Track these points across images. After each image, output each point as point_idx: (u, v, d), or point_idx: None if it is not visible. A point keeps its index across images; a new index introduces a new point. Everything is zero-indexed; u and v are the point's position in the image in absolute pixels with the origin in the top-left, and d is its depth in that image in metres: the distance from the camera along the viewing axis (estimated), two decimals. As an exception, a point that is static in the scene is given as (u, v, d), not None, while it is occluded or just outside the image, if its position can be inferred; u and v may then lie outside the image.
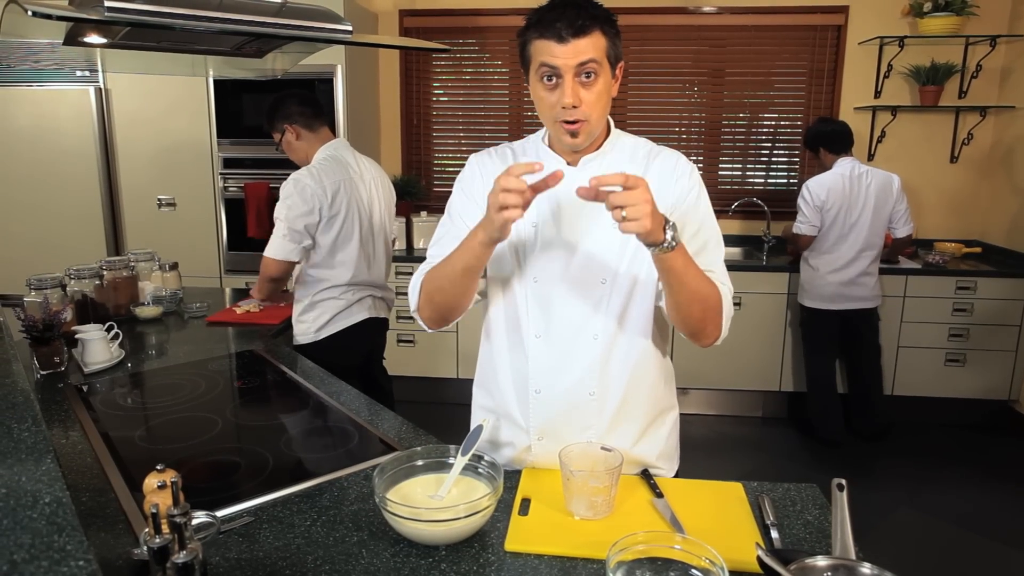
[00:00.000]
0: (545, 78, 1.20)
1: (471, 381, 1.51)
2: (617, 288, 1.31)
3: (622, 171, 1.11)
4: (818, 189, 3.41)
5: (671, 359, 1.46)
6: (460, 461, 1.22)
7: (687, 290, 1.21)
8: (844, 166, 3.39)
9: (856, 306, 3.46)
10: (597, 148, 1.31)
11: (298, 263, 2.36)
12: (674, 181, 1.32)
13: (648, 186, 1.08)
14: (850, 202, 3.36)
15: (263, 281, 2.39)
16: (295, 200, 2.27)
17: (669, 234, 1.11)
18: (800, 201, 3.49)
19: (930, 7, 3.76)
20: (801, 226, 3.50)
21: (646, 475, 1.33)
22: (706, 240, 1.32)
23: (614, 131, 1.34)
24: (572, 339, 1.32)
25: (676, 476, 1.45)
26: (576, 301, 1.31)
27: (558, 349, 1.33)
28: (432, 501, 1.18)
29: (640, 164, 1.33)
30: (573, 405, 1.33)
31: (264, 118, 2.46)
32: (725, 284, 1.31)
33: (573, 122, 1.21)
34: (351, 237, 2.37)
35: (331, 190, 2.30)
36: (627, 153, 1.34)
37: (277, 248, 2.30)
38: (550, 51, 1.18)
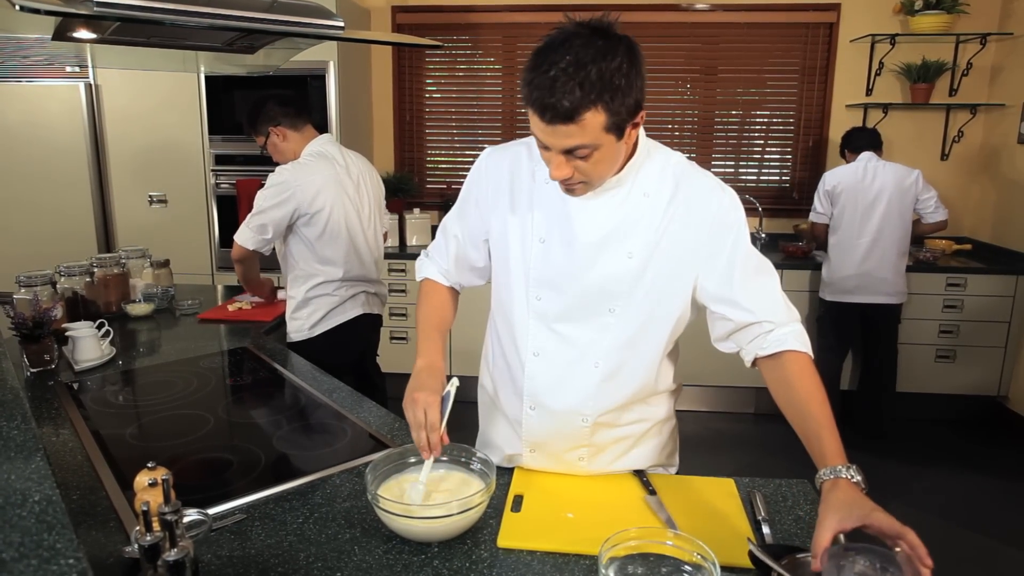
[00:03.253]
0: (538, 143, 1.11)
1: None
2: (627, 319, 1.23)
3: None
4: (830, 177, 3.49)
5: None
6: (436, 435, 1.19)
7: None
8: (861, 160, 3.45)
9: (877, 300, 3.45)
10: (620, 170, 1.18)
11: (253, 250, 2.33)
12: (707, 225, 1.20)
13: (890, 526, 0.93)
14: (862, 189, 3.39)
15: (233, 263, 2.43)
16: (269, 194, 2.28)
17: (863, 485, 1.00)
18: (816, 192, 3.59)
19: (921, 5, 3.78)
20: (812, 215, 3.62)
21: (639, 472, 1.33)
22: (761, 279, 1.22)
23: (641, 148, 1.20)
24: (572, 363, 1.27)
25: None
26: (579, 326, 1.25)
27: (556, 371, 1.28)
28: (415, 490, 1.16)
29: (668, 188, 1.21)
30: (566, 425, 1.30)
31: (246, 123, 2.44)
32: (794, 322, 1.21)
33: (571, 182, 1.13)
34: (339, 232, 2.37)
35: (314, 187, 2.29)
36: (654, 175, 1.21)
37: (240, 233, 2.32)
38: (537, 126, 1.06)
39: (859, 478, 0.99)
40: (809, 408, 1.11)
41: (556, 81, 1.00)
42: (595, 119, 1.02)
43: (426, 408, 1.16)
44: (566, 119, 1.01)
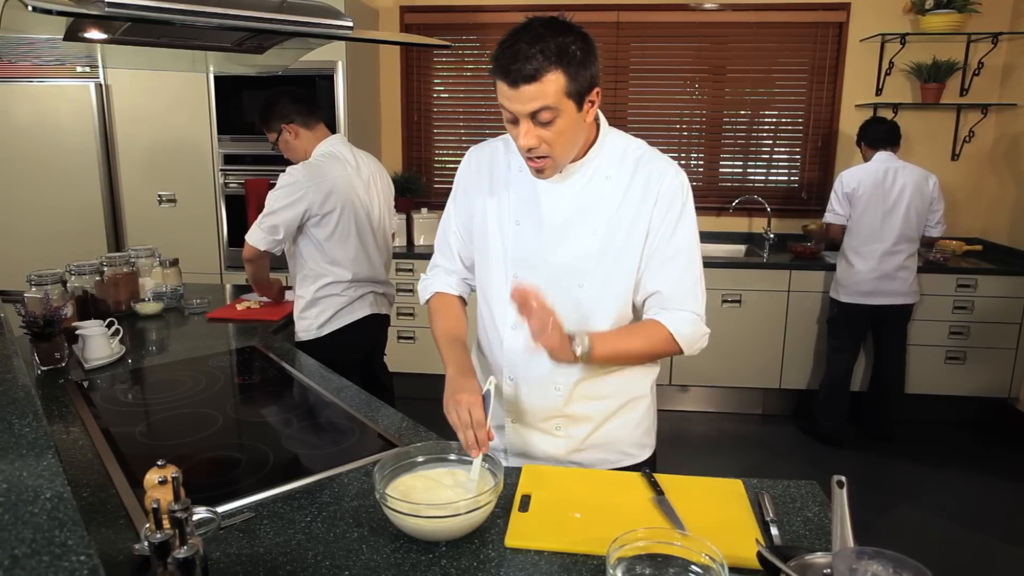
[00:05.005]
0: (506, 117, 1.21)
1: None
2: (594, 293, 1.34)
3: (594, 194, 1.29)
4: (848, 178, 3.45)
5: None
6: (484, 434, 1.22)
7: (629, 361, 1.36)
8: (880, 160, 3.42)
9: (892, 301, 3.43)
10: (583, 156, 1.31)
11: (264, 251, 2.33)
12: (655, 200, 1.31)
13: (555, 320, 1.18)
14: (883, 192, 3.36)
15: (244, 263, 2.43)
16: (280, 194, 2.28)
17: (578, 351, 1.24)
18: (832, 192, 3.54)
19: (932, 4, 3.75)
20: (828, 215, 3.57)
21: (646, 474, 1.33)
22: (674, 260, 1.33)
23: (602, 133, 1.33)
24: None
25: (650, 459, 1.51)
26: (553, 301, 1.32)
27: (530, 343, 1.35)
28: (467, 487, 1.18)
29: (628, 170, 1.32)
30: (541, 396, 1.40)
31: (258, 119, 2.44)
32: (684, 309, 1.33)
33: (538, 157, 1.23)
34: (349, 233, 2.37)
35: (325, 187, 2.29)
36: (615, 159, 1.33)
37: (251, 233, 2.32)
38: (504, 93, 1.17)
39: (579, 352, 1.24)
40: (621, 331, 1.35)
41: (520, 51, 1.13)
42: (556, 81, 1.14)
43: (470, 407, 1.22)
44: (529, 79, 1.13)
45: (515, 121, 1.19)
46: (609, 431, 1.44)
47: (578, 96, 1.17)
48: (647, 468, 1.48)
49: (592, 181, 1.32)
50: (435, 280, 1.52)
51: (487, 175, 1.41)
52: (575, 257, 1.32)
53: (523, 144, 1.19)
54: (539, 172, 1.26)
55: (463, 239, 1.48)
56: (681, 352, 1.35)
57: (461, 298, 1.52)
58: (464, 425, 1.21)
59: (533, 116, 1.16)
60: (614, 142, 1.34)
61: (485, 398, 1.25)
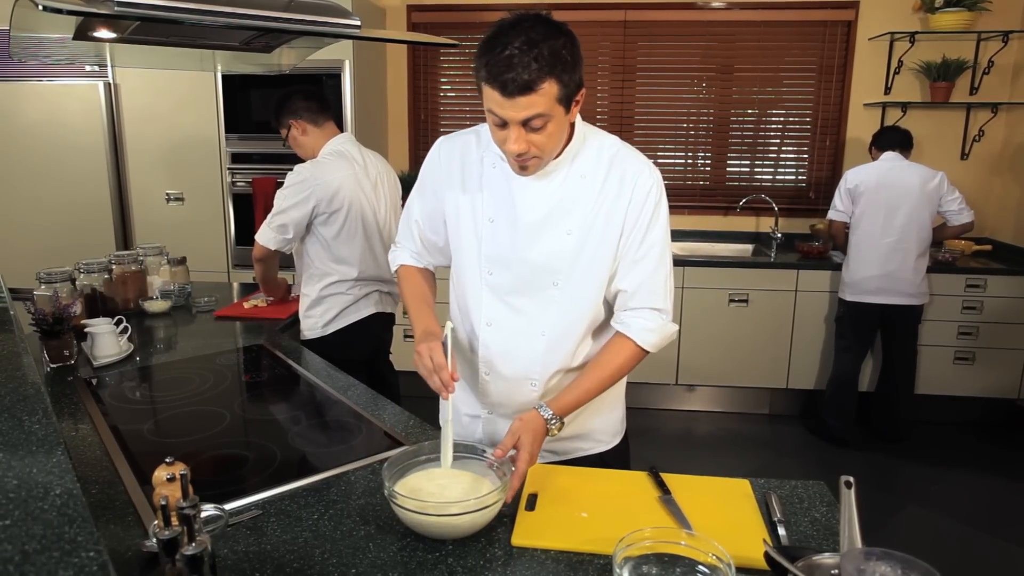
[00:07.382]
0: (494, 121, 1.20)
1: None
2: (568, 292, 1.34)
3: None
4: (853, 175, 3.47)
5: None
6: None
7: (602, 391, 1.35)
8: (886, 159, 3.43)
9: (899, 301, 3.42)
10: (558, 155, 1.30)
11: (275, 250, 2.34)
12: (629, 198, 1.30)
13: (529, 452, 1.21)
14: (885, 189, 3.36)
15: (253, 262, 2.45)
16: (289, 193, 2.29)
17: (555, 427, 1.27)
18: (836, 189, 3.56)
19: (941, 2, 3.73)
20: (831, 212, 3.58)
21: (653, 473, 1.33)
22: (646, 259, 1.33)
23: (578, 133, 1.31)
24: (520, 333, 1.38)
25: (621, 443, 1.54)
26: (528, 299, 1.36)
27: (506, 340, 1.39)
28: (444, 445, 1.22)
29: (603, 168, 1.32)
30: (517, 390, 1.41)
31: (271, 114, 2.47)
32: (648, 307, 1.33)
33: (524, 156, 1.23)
34: (356, 232, 2.37)
35: (333, 186, 2.30)
36: (591, 159, 1.32)
37: (261, 233, 2.33)
38: (496, 101, 1.15)
39: (549, 414, 1.27)
40: (585, 371, 1.34)
41: (513, 58, 1.11)
42: (550, 90, 1.13)
43: (431, 354, 1.25)
44: (524, 90, 1.12)
45: (503, 125, 1.18)
46: (583, 422, 1.45)
47: (567, 100, 1.18)
48: (618, 454, 1.54)
49: (567, 180, 1.31)
50: (401, 253, 1.55)
51: (459, 170, 1.39)
52: (549, 256, 1.32)
53: (513, 150, 1.19)
54: (524, 169, 1.26)
55: (425, 231, 1.49)
56: (641, 359, 1.37)
57: (427, 269, 1.55)
58: (428, 372, 1.25)
59: (524, 123, 1.16)
60: (590, 140, 1.33)
61: (444, 344, 1.29)
